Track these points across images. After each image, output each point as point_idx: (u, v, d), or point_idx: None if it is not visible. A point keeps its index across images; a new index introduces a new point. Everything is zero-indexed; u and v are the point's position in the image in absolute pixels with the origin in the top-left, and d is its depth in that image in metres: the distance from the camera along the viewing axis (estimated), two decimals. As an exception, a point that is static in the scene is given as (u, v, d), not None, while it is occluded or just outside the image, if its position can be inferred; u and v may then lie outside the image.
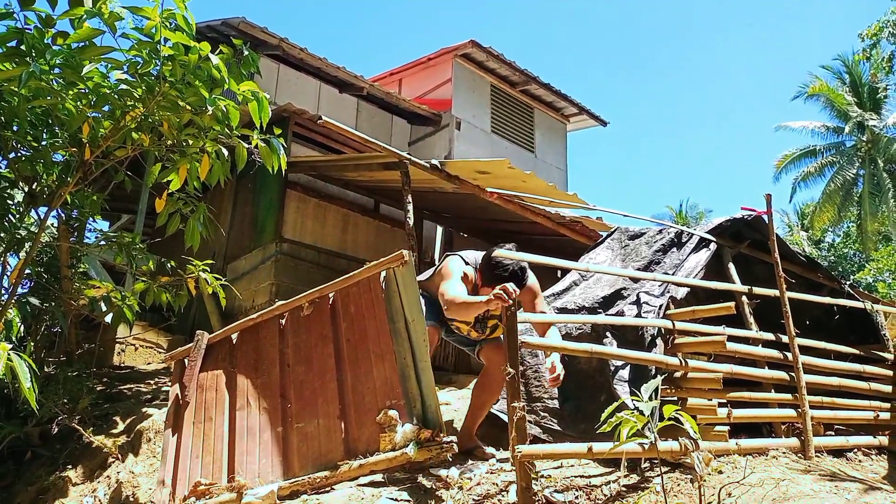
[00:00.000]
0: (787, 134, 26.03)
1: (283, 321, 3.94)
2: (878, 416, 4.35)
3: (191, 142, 4.22)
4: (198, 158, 4.26)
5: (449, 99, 11.04)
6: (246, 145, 4.25)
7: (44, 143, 4.34)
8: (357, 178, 8.76)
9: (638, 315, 4.00)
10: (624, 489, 3.21)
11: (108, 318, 5.76)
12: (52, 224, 6.27)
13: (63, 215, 5.49)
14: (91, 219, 6.43)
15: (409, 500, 3.06)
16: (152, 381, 5.99)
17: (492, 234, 10.62)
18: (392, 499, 3.07)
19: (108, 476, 4.09)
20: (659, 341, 3.77)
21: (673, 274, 4.31)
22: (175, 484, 3.63)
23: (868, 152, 24.06)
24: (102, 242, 6.22)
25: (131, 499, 3.86)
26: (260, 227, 8.43)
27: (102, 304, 5.70)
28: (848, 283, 5.10)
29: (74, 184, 4.58)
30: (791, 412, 3.93)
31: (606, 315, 4.12)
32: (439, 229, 10.90)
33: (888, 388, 4.52)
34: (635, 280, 4.39)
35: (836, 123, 24.92)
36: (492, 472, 3.38)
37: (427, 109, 10.94)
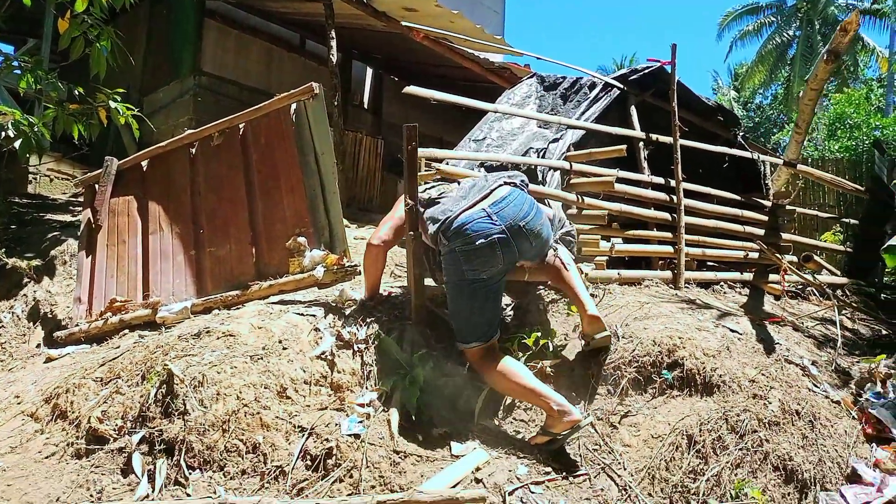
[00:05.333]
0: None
1: (194, 150, 3.98)
2: (747, 255, 4.87)
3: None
4: (101, -26, 4.02)
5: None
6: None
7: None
8: (280, 10, 8.34)
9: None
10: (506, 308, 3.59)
11: (17, 146, 5.60)
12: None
13: (-45, 33, 5.12)
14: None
15: (314, 315, 3.32)
16: (66, 211, 5.97)
17: (423, 78, 10.46)
18: (299, 314, 3.34)
19: (24, 295, 4.22)
20: (555, 178, 4.04)
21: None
22: (91, 301, 3.81)
23: (807, 13, 24.20)
24: (3, 66, 5.86)
25: (49, 315, 4.03)
26: (176, 59, 8.05)
27: (10, 131, 5.50)
28: (742, 133, 5.43)
29: (-38, -3, 4.26)
30: (669, 249, 4.36)
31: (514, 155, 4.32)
32: (369, 71, 10.64)
33: (761, 232, 5.02)
34: (545, 125, 4.58)
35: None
36: (390, 293, 3.67)
37: (357, -64, 10.22)
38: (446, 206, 3.00)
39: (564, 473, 2.66)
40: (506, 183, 3.05)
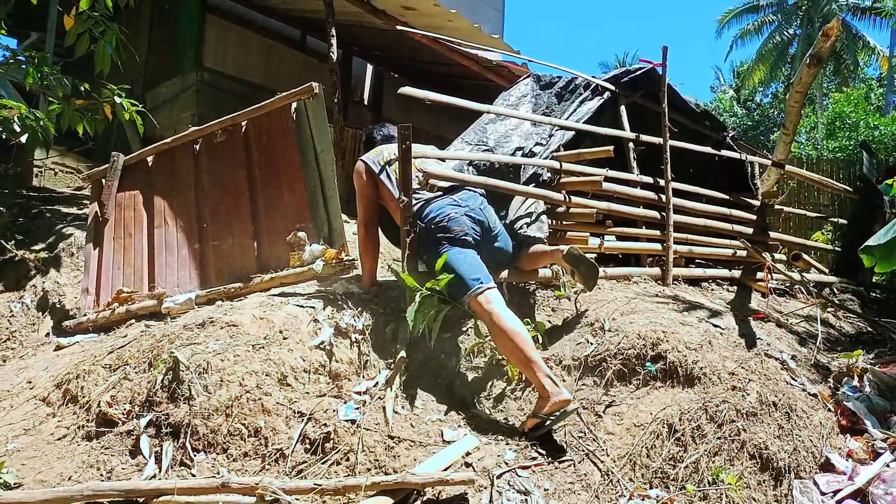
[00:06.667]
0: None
1: (198, 147, 4.10)
2: (735, 253, 4.99)
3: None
4: (106, -30, 4.12)
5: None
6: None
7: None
8: (281, 6, 8.45)
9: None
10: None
11: (24, 140, 5.72)
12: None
13: (-38, 28, 5.23)
14: (-6, 34, 6.11)
15: (313, 307, 3.45)
16: (72, 204, 6.10)
17: (422, 75, 10.57)
18: (299, 305, 3.47)
19: (33, 286, 4.36)
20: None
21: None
22: (98, 292, 3.95)
23: (807, 12, 24.28)
24: (11, 61, 5.97)
25: (57, 305, 4.17)
26: (179, 54, 8.16)
27: (16, 125, 5.61)
28: (730, 135, 5.55)
29: (-29, -7, 4.37)
30: (657, 246, 4.49)
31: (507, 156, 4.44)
32: (369, 68, 10.74)
33: (749, 231, 5.15)
34: (535, 123, 4.69)
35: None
36: (386, 286, 3.81)
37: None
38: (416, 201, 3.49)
39: (550, 459, 2.80)
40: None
